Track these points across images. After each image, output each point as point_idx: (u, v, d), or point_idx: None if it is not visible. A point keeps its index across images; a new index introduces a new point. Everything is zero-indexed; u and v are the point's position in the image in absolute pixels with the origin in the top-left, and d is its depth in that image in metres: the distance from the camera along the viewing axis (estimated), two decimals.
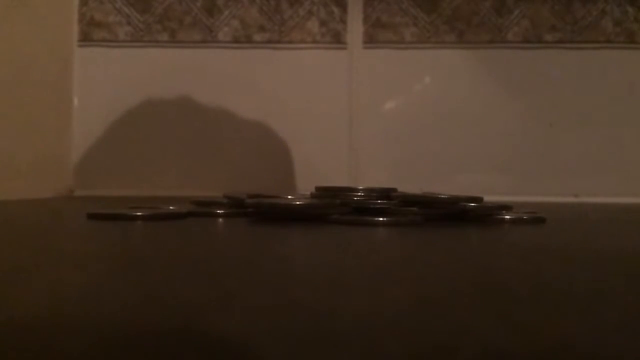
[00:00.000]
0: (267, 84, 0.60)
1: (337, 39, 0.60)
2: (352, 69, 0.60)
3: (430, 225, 0.28)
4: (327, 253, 0.20)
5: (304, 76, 0.60)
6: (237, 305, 0.11)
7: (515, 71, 0.60)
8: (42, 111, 0.55)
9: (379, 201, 0.30)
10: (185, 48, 0.60)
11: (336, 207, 0.29)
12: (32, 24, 0.53)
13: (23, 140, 0.51)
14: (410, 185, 0.41)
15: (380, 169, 0.60)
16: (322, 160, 0.60)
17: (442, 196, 0.30)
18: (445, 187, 0.55)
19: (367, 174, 0.59)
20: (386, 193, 0.31)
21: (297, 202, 0.29)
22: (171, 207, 0.32)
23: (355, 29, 0.60)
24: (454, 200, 0.29)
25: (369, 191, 0.31)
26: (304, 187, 0.58)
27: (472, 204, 0.29)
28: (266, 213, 0.30)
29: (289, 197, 0.31)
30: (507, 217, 0.30)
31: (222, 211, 0.32)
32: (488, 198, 0.32)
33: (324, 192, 0.32)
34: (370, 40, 0.60)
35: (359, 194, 0.31)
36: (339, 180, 0.58)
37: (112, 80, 0.60)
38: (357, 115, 0.60)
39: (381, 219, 0.28)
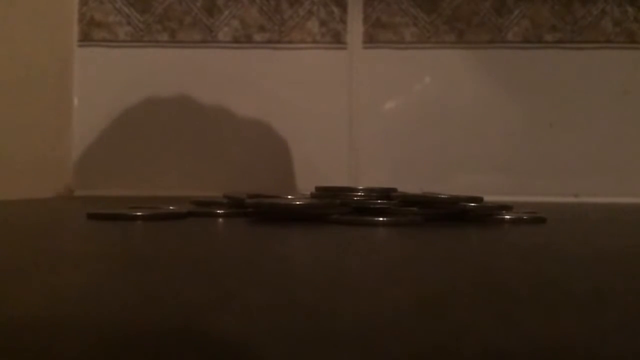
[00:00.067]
0: (267, 84, 0.60)
1: (337, 39, 0.60)
2: (352, 69, 0.60)
3: (430, 225, 0.28)
4: (327, 253, 0.20)
5: (304, 76, 0.60)
6: (237, 305, 0.11)
7: (515, 71, 0.60)
8: (42, 111, 0.55)
9: (379, 201, 0.30)
10: (185, 48, 0.60)
11: (336, 207, 0.29)
12: (32, 24, 0.53)
13: (23, 140, 0.51)
14: (410, 185, 0.41)
15: (380, 169, 0.60)
16: (322, 160, 0.60)
17: (442, 196, 0.30)
18: (445, 187, 0.55)
19: (367, 174, 0.59)
20: (386, 193, 0.31)
21: (297, 202, 0.29)
22: (171, 207, 0.32)
23: (355, 29, 0.60)
24: (454, 200, 0.29)
25: (369, 191, 0.31)
26: (304, 187, 0.58)
27: (472, 204, 0.29)
28: (266, 213, 0.30)
29: (289, 197, 0.31)
30: (507, 217, 0.30)
31: (222, 211, 0.32)
32: (488, 198, 0.32)
33: (324, 192, 0.32)
34: (370, 40, 0.60)
35: (359, 194, 0.31)
36: (339, 180, 0.58)
37: (112, 80, 0.60)
38: (357, 115, 0.60)
39: (381, 219, 0.28)
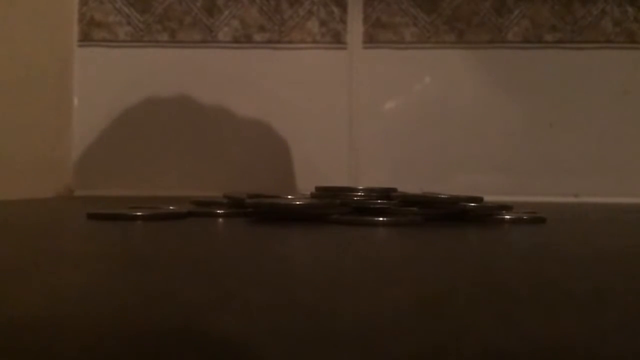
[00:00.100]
0: (267, 84, 0.60)
1: (337, 39, 0.60)
2: (352, 69, 0.60)
3: (430, 225, 0.28)
4: (327, 253, 0.20)
5: (304, 76, 0.60)
6: (237, 305, 0.11)
7: (515, 71, 0.60)
8: (42, 111, 0.55)
9: (379, 201, 0.30)
10: (185, 48, 0.60)
11: (336, 207, 0.29)
12: (32, 24, 0.53)
13: (23, 140, 0.51)
14: (410, 185, 0.41)
15: (380, 169, 0.60)
16: (322, 160, 0.60)
17: (442, 196, 0.30)
18: (445, 187, 0.55)
19: (367, 174, 0.59)
20: (386, 193, 0.31)
21: (297, 202, 0.29)
22: (171, 207, 0.32)
23: (355, 29, 0.60)
24: (454, 200, 0.29)
25: (369, 191, 0.31)
26: (304, 187, 0.58)
27: (472, 204, 0.29)
28: (266, 213, 0.30)
29: (289, 197, 0.31)
30: (507, 217, 0.30)
31: (222, 211, 0.32)
32: (488, 198, 0.32)
33: (324, 192, 0.32)
34: (370, 40, 0.60)
35: (359, 194, 0.31)
36: (339, 180, 0.58)
37: (112, 80, 0.60)
38: (357, 115, 0.60)
39: (381, 219, 0.28)
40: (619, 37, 0.59)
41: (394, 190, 0.31)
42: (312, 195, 0.32)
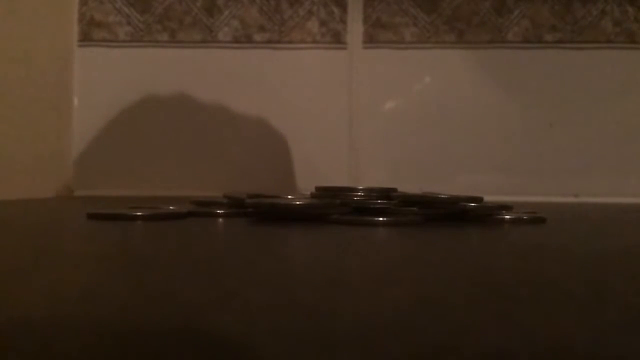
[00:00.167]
0: (267, 84, 0.60)
1: (337, 39, 0.60)
2: (352, 69, 0.60)
3: (430, 225, 0.28)
4: (327, 253, 0.20)
5: (304, 76, 0.60)
6: (237, 305, 0.11)
7: (515, 71, 0.60)
8: (42, 111, 0.55)
9: (379, 201, 0.30)
10: (185, 48, 0.60)
11: (336, 207, 0.29)
12: (32, 24, 0.53)
13: (23, 140, 0.51)
14: (410, 185, 0.41)
15: (380, 169, 0.60)
16: (322, 160, 0.60)
17: (442, 196, 0.30)
18: (445, 187, 0.55)
19: (367, 174, 0.59)
20: (386, 193, 0.31)
21: (297, 202, 0.29)
22: (171, 207, 0.32)
23: (355, 29, 0.60)
24: (454, 200, 0.29)
25: (369, 191, 0.31)
26: (304, 187, 0.58)
27: (472, 204, 0.29)
28: (266, 213, 0.30)
29: (289, 197, 0.31)
30: (507, 217, 0.30)
31: (222, 211, 0.32)
32: (488, 198, 0.32)
33: (324, 192, 0.32)
34: (370, 40, 0.60)
35: (359, 194, 0.31)
36: (339, 180, 0.58)
37: (112, 80, 0.60)
38: (357, 115, 0.60)
39: (381, 219, 0.28)
40: (619, 37, 0.59)
41: (394, 190, 0.31)
42: (312, 195, 0.32)
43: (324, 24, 0.60)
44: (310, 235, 0.25)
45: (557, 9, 0.60)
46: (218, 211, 0.32)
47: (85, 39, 0.60)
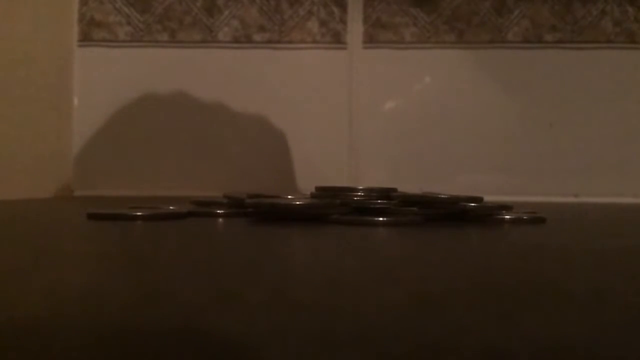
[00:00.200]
0: (267, 84, 0.60)
1: (337, 39, 0.60)
2: (352, 69, 0.60)
3: (430, 225, 0.28)
4: (327, 253, 0.20)
5: (304, 76, 0.60)
6: (237, 305, 0.11)
7: (515, 71, 0.60)
8: (42, 111, 0.55)
9: (379, 201, 0.30)
10: (185, 48, 0.60)
11: (336, 207, 0.29)
12: (32, 24, 0.53)
13: (23, 140, 0.51)
14: (410, 185, 0.41)
15: (380, 169, 0.60)
16: (322, 160, 0.60)
17: (442, 196, 0.30)
18: (445, 187, 0.55)
19: (367, 174, 0.59)
20: (386, 193, 0.31)
21: (297, 202, 0.29)
22: (171, 207, 0.32)
23: (355, 29, 0.60)
24: (454, 200, 0.29)
25: (369, 191, 0.31)
26: (304, 187, 0.58)
27: (472, 204, 0.29)
28: (266, 213, 0.30)
29: (289, 197, 0.31)
30: (507, 217, 0.30)
31: (222, 211, 0.32)
32: (488, 198, 0.32)
33: (324, 192, 0.32)
34: (370, 40, 0.60)
35: (359, 194, 0.31)
36: (339, 180, 0.58)
37: (112, 80, 0.60)
38: (357, 115, 0.60)
39: (381, 219, 0.28)
40: (619, 37, 0.59)
41: (394, 190, 0.31)
42: (312, 195, 0.32)
43: (324, 24, 0.60)
44: (310, 235, 0.25)
45: (557, 9, 0.60)
46: (218, 211, 0.32)
47: (85, 39, 0.60)
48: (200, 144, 0.60)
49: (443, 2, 0.60)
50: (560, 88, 0.59)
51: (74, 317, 0.10)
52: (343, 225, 0.27)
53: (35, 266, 0.16)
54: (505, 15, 0.60)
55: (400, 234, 0.25)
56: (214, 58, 0.60)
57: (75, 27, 0.60)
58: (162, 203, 0.35)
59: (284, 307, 0.11)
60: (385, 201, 0.30)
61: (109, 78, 0.60)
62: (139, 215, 0.29)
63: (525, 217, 0.31)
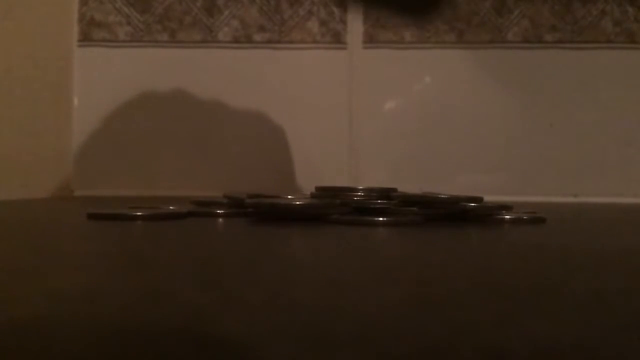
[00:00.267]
0: (267, 84, 0.60)
1: (337, 39, 0.60)
2: (352, 69, 0.60)
3: (430, 225, 0.28)
4: (327, 253, 0.20)
5: (304, 76, 0.60)
6: (237, 305, 0.11)
7: (515, 71, 0.60)
8: (42, 111, 0.55)
9: (379, 201, 0.30)
10: (185, 48, 0.60)
11: (336, 207, 0.29)
12: (32, 24, 0.53)
13: (23, 140, 0.51)
14: (410, 185, 0.41)
15: (380, 169, 0.60)
16: (322, 160, 0.60)
17: (442, 196, 0.30)
18: (445, 187, 0.55)
19: (367, 174, 0.59)
20: (386, 193, 0.31)
21: (297, 202, 0.29)
22: (171, 207, 0.32)
23: (355, 29, 0.60)
24: (454, 200, 0.29)
25: (369, 191, 0.31)
26: (304, 187, 0.58)
27: (472, 204, 0.29)
28: (266, 213, 0.30)
29: (289, 197, 0.31)
30: (507, 217, 0.30)
31: (222, 211, 0.32)
32: (488, 198, 0.32)
33: (324, 192, 0.32)
34: (370, 40, 0.60)
35: (359, 194, 0.31)
36: (339, 180, 0.58)
37: (112, 80, 0.60)
38: (357, 115, 0.60)
39: (381, 219, 0.28)
40: (619, 37, 0.59)
41: (394, 190, 0.31)
42: (312, 195, 0.32)
43: (324, 24, 0.60)
44: (310, 235, 0.25)
45: (557, 9, 0.60)
46: (218, 211, 0.32)
47: (85, 39, 0.60)
48: (200, 144, 0.60)
49: (442, 2, 0.60)
50: (560, 88, 0.59)
51: (74, 317, 0.10)
52: (343, 225, 0.27)
53: (35, 266, 0.16)
54: (505, 15, 0.60)
55: (400, 234, 0.25)
56: (214, 58, 0.60)
57: (75, 27, 0.60)
58: (162, 203, 0.35)
59: (284, 307, 0.11)
60: (385, 201, 0.30)
61: (109, 78, 0.60)
62: (139, 215, 0.29)
63: (525, 217, 0.31)
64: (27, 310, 0.11)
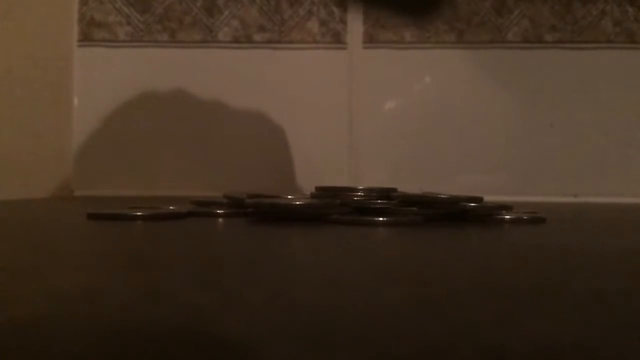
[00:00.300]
0: (267, 84, 0.60)
1: (337, 39, 0.60)
2: (352, 69, 0.60)
3: (430, 225, 0.28)
4: (327, 253, 0.20)
5: (304, 76, 0.60)
6: (237, 305, 0.11)
7: (515, 71, 0.60)
8: (42, 111, 0.55)
9: (379, 201, 0.30)
10: (185, 48, 0.60)
11: (336, 207, 0.29)
12: (32, 24, 0.53)
13: (23, 140, 0.51)
14: (410, 185, 0.41)
15: (380, 169, 0.60)
16: (322, 160, 0.60)
17: (442, 196, 0.30)
18: (445, 187, 0.55)
19: (367, 174, 0.59)
20: (386, 193, 0.31)
21: (297, 202, 0.29)
22: (171, 207, 0.32)
23: (355, 29, 0.60)
24: (454, 200, 0.29)
25: (369, 191, 0.31)
26: (304, 187, 0.58)
27: (472, 204, 0.29)
28: (266, 213, 0.30)
29: (289, 197, 0.31)
30: (507, 217, 0.30)
31: (222, 211, 0.32)
32: (488, 198, 0.32)
33: (324, 192, 0.32)
34: (370, 40, 0.60)
35: (359, 194, 0.31)
36: (339, 180, 0.58)
37: (112, 80, 0.60)
38: (357, 115, 0.60)
39: (381, 219, 0.28)
40: (619, 37, 0.59)
41: (394, 190, 0.31)
42: (312, 195, 0.32)
43: (324, 24, 0.60)
44: (310, 235, 0.25)
45: (557, 9, 0.59)
46: (218, 211, 0.32)
47: (85, 39, 0.60)
48: (200, 144, 0.60)
49: (442, 2, 0.60)
50: (560, 88, 0.59)
51: (74, 317, 0.10)
52: (343, 225, 0.27)
53: (35, 266, 0.16)
54: (505, 15, 0.60)
55: (400, 234, 0.25)
56: (214, 58, 0.60)
57: (75, 27, 0.60)
58: (162, 203, 0.35)
59: (284, 307, 0.11)
60: (385, 201, 0.30)
61: (109, 78, 0.60)
62: (139, 215, 0.29)
63: (525, 217, 0.31)
64: (27, 310, 0.11)
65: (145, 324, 0.10)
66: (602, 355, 0.09)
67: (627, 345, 0.09)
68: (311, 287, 0.13)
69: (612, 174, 0.59)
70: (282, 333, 0.09)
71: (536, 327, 0.10)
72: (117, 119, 0.60)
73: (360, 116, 0.60)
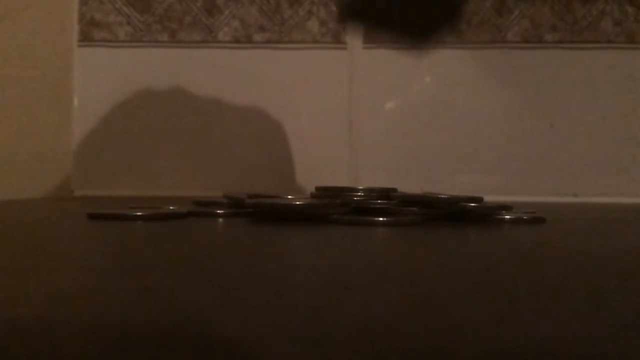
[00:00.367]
0: (267, 84, 0.60)
1: (337, 39, 0.60)
2: (352, 69, 0.60)
3: (430, 225, 0.28)
4: (327, 253, 0.20)
5: (304, 76, 0.60)
6: (237, 305, 0.11)
7: (515, 71, 0.60)
8: (42, 111, 0.55)
9: (379, 201, 0.30)
10: (185, 48, 0.60)
11: (336, 207, 0.29)
12: (33, 24, 0.53)
13: (23, 140, 0.51)
14: (410, 185, 0.41)
15: (380, 169, 0.60)
16: (322, 160, 0.60)
17: (442, 196, 0.30)
18: (445, 187, 0.55)
19: (367, 174, 0.59)
20: (386, 193, 0.31)
21: (297, 202, 0.29)
22: (171, 207, 0.32)
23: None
24: (454, 200, 0.29)
25: (369, 191, 0.31)
26: (304, 187, 0.58)
27: (472, 204, 0.29)
28: (266, 213, 0.30)
29: (289, 197, 0.31)
30: (507, 217, 0.30)
31: (222, 211, 0.32)
32: (488, 198, 0.32)
33: (324, 192, 0.32)
34: (370, 40, 0.60)
35: (359, 194, 0.31)
36: (339, 180, 0.58)
37: (112, 80, 0.60)
38: (357, 115, 0.60)
39: (381, 219, 0.28)
40: (619, 37, 0.59)
41: (394, 190, 0.31)
42: (312, 195, 0.32)
43: (324, 24, 0.60)
44: (310, 235, 0.25)
45: (557, 9, 0.60)
46: (218, 211, 0.32)
47: (85, 39, 0.60)
48: (201, 144, 0.60)
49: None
50: (560, 88, 0.59)
51: (74, 317, 0.10)
52: (343, 225, 0.27)
53: (35, 266, 0.16)
54: (505, 15, 0.60)
55: (400, 234, 0.25)
56: (214, 58, 0.60)
57: (75, 27, 0.60)
58: (162, 203, 0.35)
59: (284, 307, 0.11)
60: (385, 201, 0.30)
61: (109, 78, 0.60)
62: (139, 215, 0.29)
63: (525, 217, 0.31)
64: (27, 310, 0.11)
65: (145, 324, 0.10)
66: (602, 355, 0.09)
67: (627, 345, 0.09)
68: (311, 287, 0.13)
69: (611, 174, 0.59)
70: (282, 333, 0.09)
71: (536, 327, 0.10)
72: (117, 119, 0.60)
73: (360, 116, 0.60)
